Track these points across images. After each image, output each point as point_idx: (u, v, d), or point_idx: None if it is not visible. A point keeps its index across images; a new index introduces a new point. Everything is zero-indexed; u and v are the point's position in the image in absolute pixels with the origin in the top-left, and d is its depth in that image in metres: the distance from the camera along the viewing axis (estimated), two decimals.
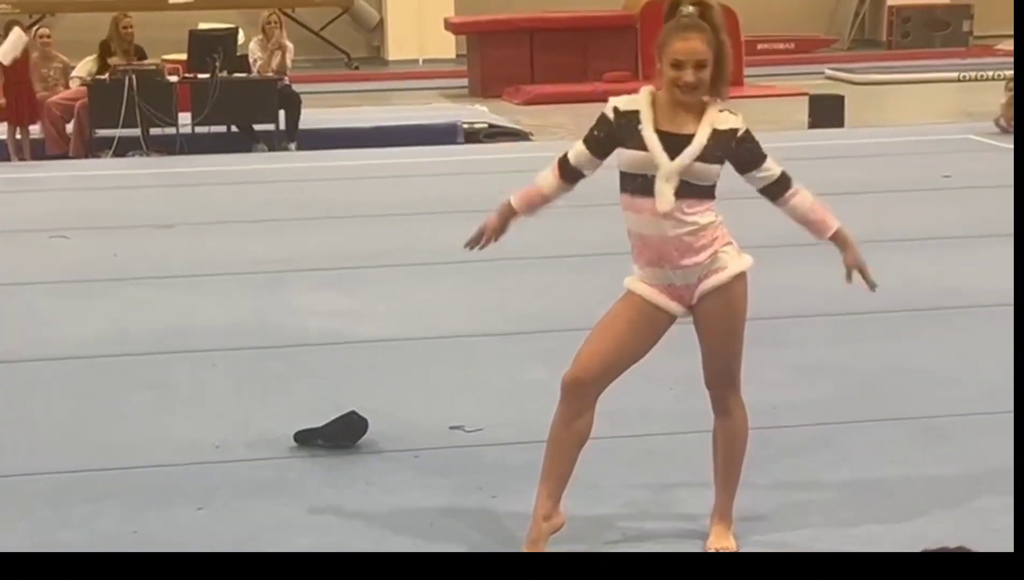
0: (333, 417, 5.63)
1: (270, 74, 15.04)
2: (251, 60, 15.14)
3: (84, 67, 15.03)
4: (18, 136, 14.51)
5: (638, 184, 4.33)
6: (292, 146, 14.95)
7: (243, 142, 15.02)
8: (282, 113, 15.01)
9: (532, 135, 16.13)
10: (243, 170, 13.40)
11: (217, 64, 14.80)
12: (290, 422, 5.69)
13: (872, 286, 4.49)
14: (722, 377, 4.51)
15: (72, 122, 14.68)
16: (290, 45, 15.37)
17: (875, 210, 10.05)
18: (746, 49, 20.86)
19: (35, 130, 14.72)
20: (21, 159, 14.42)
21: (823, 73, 22.68)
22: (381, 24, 25.72)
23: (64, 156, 14.55)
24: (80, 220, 10.74)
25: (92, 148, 14.63)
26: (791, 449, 5.50)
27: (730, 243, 4.39)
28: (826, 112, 16.07)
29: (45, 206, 11.52)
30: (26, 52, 14.60)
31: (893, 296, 6.77)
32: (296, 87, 15.53)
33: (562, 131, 16.10)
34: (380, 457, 5.52)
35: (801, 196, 4.43)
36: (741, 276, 4.38)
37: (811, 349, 6.91)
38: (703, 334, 4.46)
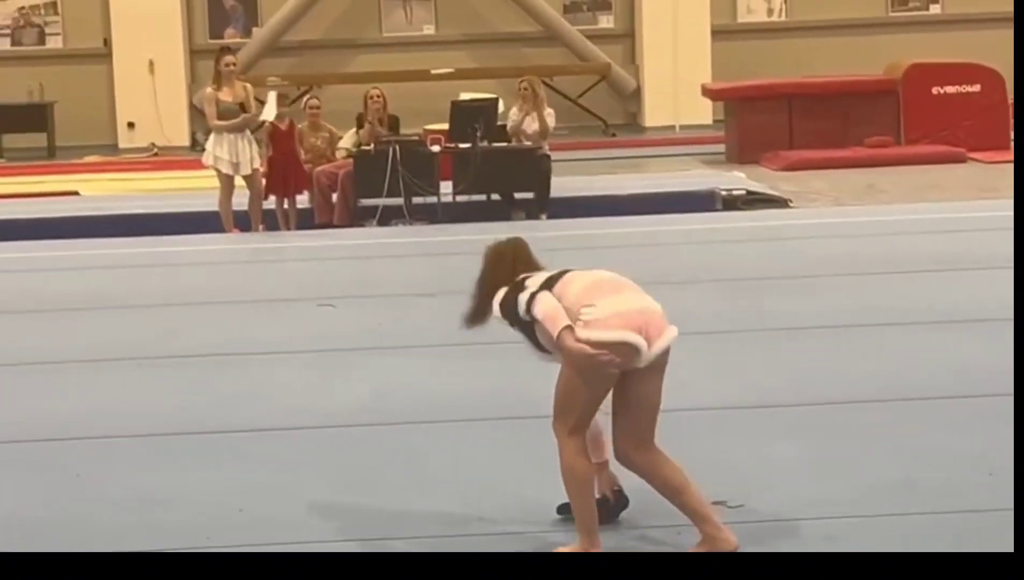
0: None
1: (527, 142, 15.24)
2: (509, 128, 15.36)
3: (349, 138, 15.45)
4: (285, 206, 14.95)
5: None
6: (543, 216, 15.08)
7: (502, 210, 15.21)
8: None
9: (791, 202, 15.96)
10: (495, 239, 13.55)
11: (478, 133, 15.05)
12: (554, 492, 5.69)
13: None
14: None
15: (337, 192, 15.07)
16: (550, 111, 15.52)
17: None
18: None
19: (303, 200, 15.14)
20: (287, 228, 14.84)
21: None
22: (638, 91, 25.80)
23: (329, 225, 14.93)
24: (346, 289, 11.00)
25: (357, 217, 14.99)
26: None
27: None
28: None
29: (312, 275, 11.82)
30: (291, 123, 15.04)
31: None
32: (554, 155, 15.66)
33: (821, 198, 15.90)
34: (639, 532, 5.48)
35: None
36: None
37: None
38: None
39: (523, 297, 5.30)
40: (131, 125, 24.76)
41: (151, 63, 24.60)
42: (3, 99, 24.26)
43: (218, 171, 14.17)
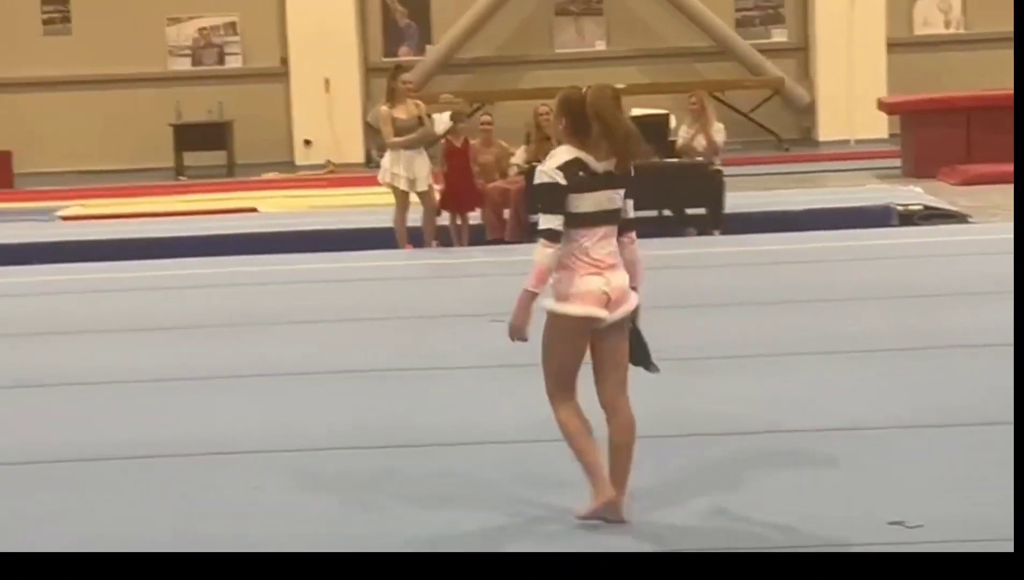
0: None
1: (699, 158, 15.18)
2: (679, 144, 15.31)
3: (521, 154, 15.53)
4: (458, 222, 15.06)
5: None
6: (716, 232, 14.99)
7: (672, 226, 15.16)
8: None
9: (970, 217, 15.66)
10: (673, 255, 13.52)
11: (650, 149, 15.00)
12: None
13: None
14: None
15: (509, 208, 15.15)
16: (720, 126, 15.44)
17: None
18: None
19: (475, 216, 15.26)
20: (460, 245, 14.95)
21: None
22: (812, 105, 25.55)
23: (501, 241, 15.01)
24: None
25: (528, 233, 15.04)
26: None
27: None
28: None
29: (484, 291, 11.90)
30: (466, 140, 15.16)
31: None
32: (727, 170, 15.58)
33: (1001, 213, 15.57)
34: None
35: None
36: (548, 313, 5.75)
37: None
38: None
39: (543, 177, 5.72)
40: (307, 142, 25.19)
41: (327, 81, 25.01)
42: (185, 118, 24.84)
43: (394, 188, 14.33)
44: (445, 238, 14.90)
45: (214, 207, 19.04)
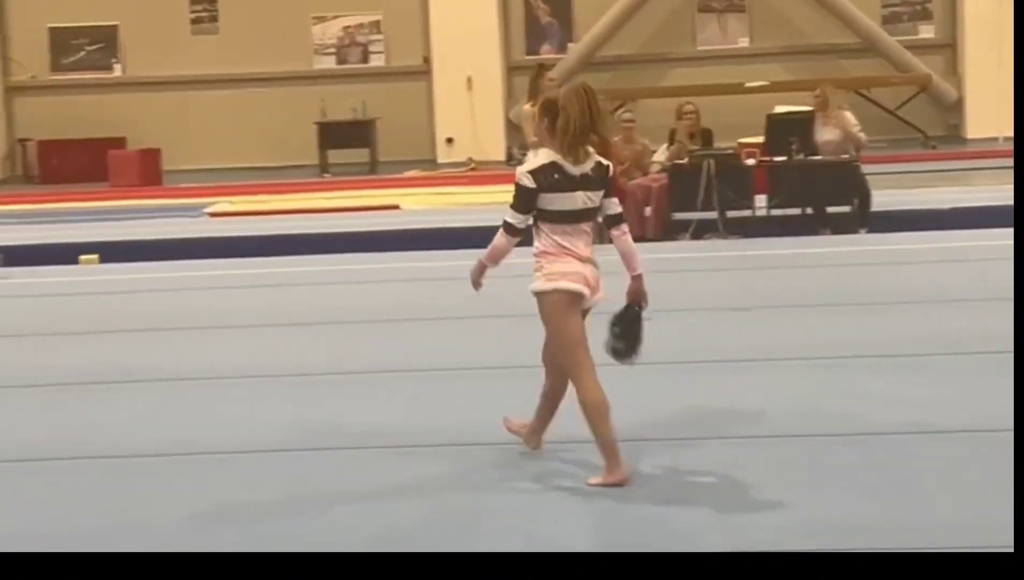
0: None
1: (844, 156, 15.02)
2: (818, 141, 15.16)
3: (663, 152, 15.48)
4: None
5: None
6: (862, 230, 14.81)
7: (809, 225, 15.01)
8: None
9: None
10: (815, 254, 13.40)
11: (794, 147, 14.91)
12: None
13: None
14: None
15: (650, 206, 15.11)
16: (853, 121, 15.20)
17: None
18: None
19: None
20: (601, 242, 14.88)
21: None
22: (959, 102, 25.15)
23: (642, 238, 14.96)
24: (660, 302, 10.99)
25: (670, 231, 15.01)
26: None
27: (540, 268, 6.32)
28: None
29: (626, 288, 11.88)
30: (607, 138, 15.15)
31: None
32: (872, 168, 15.40)
33: None
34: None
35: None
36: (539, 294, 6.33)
37: None
38: None
39: (522, 173, 6.30)
40: (449, 140, 25.35)
41: (469, 80, 25.15)
42: (329, 116, 25.12)
43: None
44: None
45: (357, 204, 19.24)
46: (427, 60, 25.72)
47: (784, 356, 8.92)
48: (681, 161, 15.01)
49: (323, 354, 9.51)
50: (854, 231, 14.77)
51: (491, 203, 18.79)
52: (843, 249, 13.64)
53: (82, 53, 26.34)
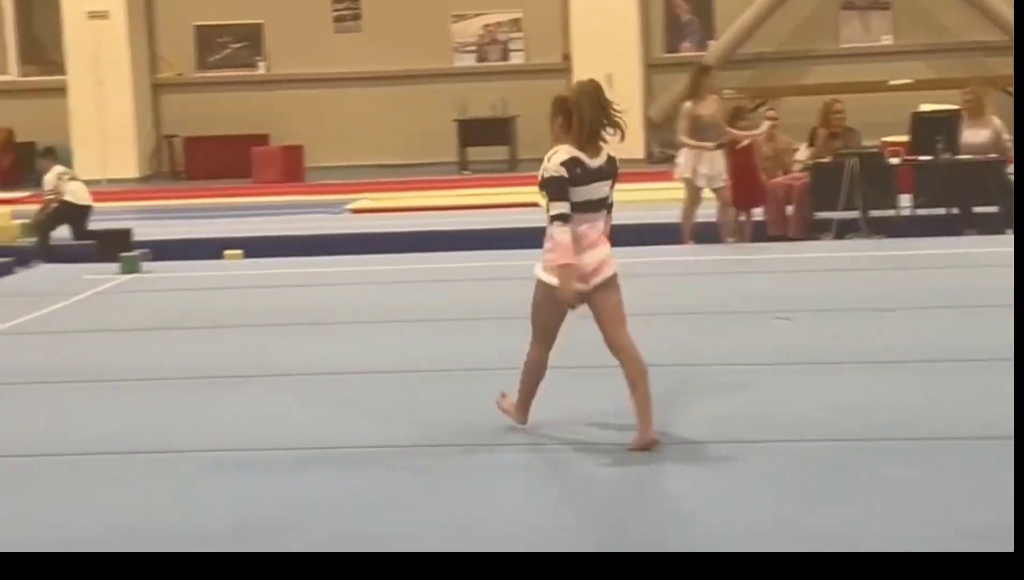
0: None
1: (992, 155, 14.76)
2: (965, 143, 14.90)
3: (805, 150, 15.34)
4: (741, 218, 14.95)
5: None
6: (1007, 231, 14.53)
7: (954, 225, 14.77)
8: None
9: None
10: (960, 254, 13.18)
11: (939, 146, 14.69)
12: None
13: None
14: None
15: (792, 204, 14.98)
16: (1004, 129, 14.94)
17: None
18: None
19: (757, 212, 15.13)
20: (739, 241, 14.79)
21: None
22: None
23: (784, 237, 14.85)
24: (801, 302, 10.92)
25: (812, 230, 14.87)
26: None
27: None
28: None
29: (767, 287, 11.80)
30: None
31: None
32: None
33: None
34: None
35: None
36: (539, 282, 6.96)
37: None
38: None
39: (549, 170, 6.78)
40: None
41: (609, 77, 25.03)
42: (469, 113, 25.25)
43: (689, 183, 14.28)
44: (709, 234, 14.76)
45: (497, 201, 19.31)
46: (567, 57, 25.71)
47: (928, 358, 8.79)
48: (824, 160, 14.86)
49: (462, 349, 9.56)
50: (1000, 231, 14.51)
51: (630, 201, 18.71)
52: (989, 249, 13.40)
53: (227, 51, 26.75)
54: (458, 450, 7.09)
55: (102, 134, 25.13)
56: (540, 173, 6.83)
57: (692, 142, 14.19)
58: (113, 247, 14.87)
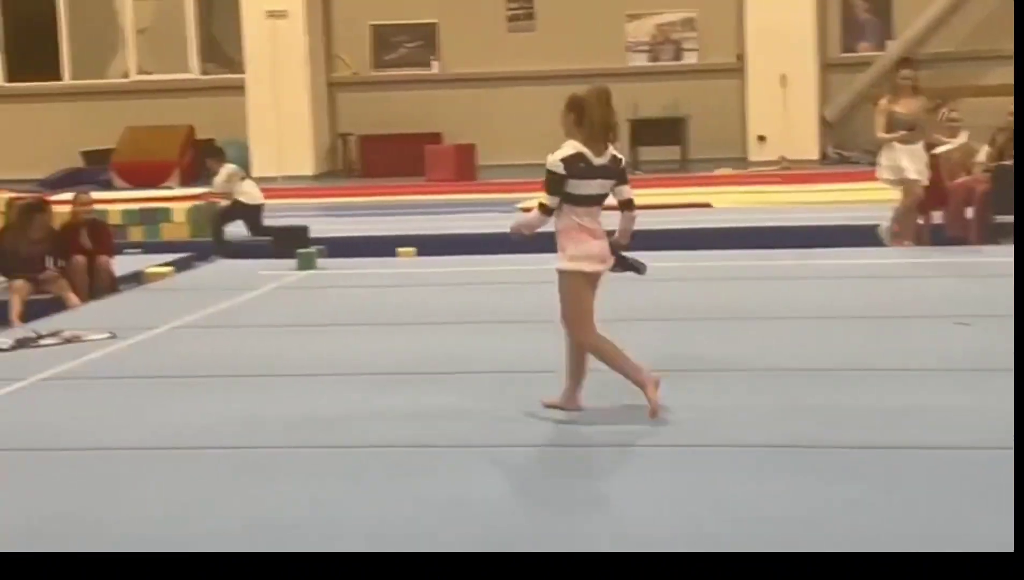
0: None
1: None
2: None
3: (986, 152, 15.02)
4: (919, 221, 14.66)
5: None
6: None
7: None
8: None
9: None
10: None
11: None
12: None
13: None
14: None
15: (973, 207, 14.67)
16: None
17: None
18: None
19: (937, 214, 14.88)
20: (917, 243, 14.48)
21: None
22: None
23: (963, 241, 14.54)
24: (982, 307, 10.70)
25: (993, 234, 14.54)
26: None
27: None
28: None
29: (947, 291, 11.59)
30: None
31: None
32: None
33: None
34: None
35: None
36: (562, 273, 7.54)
37: None
38: None
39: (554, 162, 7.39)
40: (761, 138, 25.12)
41: (783, 77, 24.86)
42: (641, 113, 25.19)
43: (900, 182, 13.99)
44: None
45: (669, 201, 19.23)
46: (740, 57, 25.53)
47: None
48: (1005, 162, 14.52)
49: (653, 349, 9.51)
50: None
51: (804, 203, 18.57)
52: None
53: (402, 50, 27.02)
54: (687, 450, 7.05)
55: (279, 132, 25.56)
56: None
57: (889, 136, 13.84)
58: (290, 243, 15.12)
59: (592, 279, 7.53)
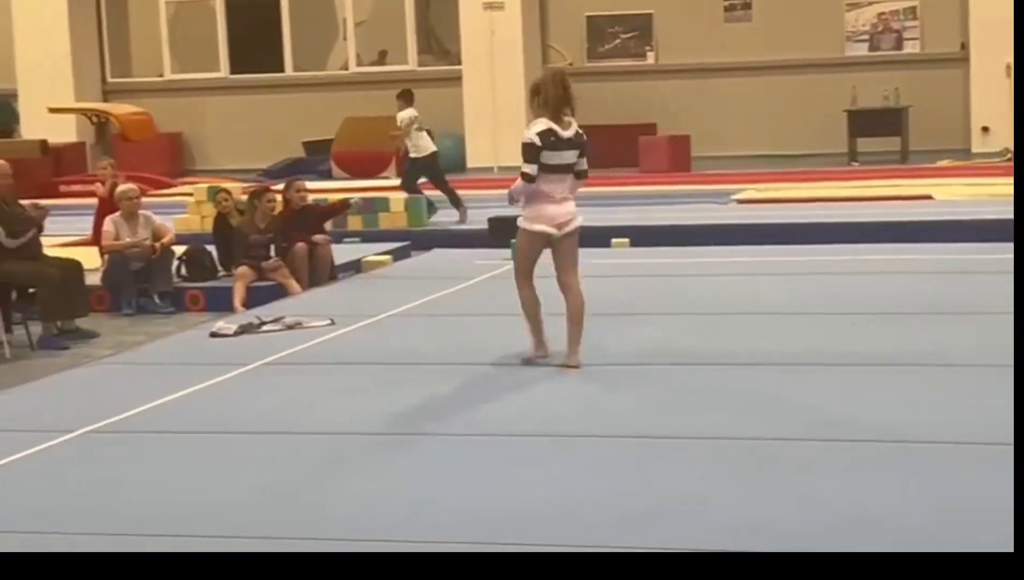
0: None
1: None
2: None
3: None
4: None
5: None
6: None
7: None
8: None
9: None
10: None
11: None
12: None
13: None
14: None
15: None
16: None
17: None
18: None
19: None
20: None
21: None
22: None
23: None
24: None
25: None
26: None
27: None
28: None
29: None
30: None
31: None
32: None
33: None
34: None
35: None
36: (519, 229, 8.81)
37: None
38: None
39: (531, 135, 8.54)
40: (985, 129, 24.49)
41: (1008, 66, 24.19)
42: (859, 104, 24.79)
43: None
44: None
45: (888, 193, 18.89)
46: (964, 46, 24.94)
47: None
48: None
49: (854, 345, 9.39)
50: None
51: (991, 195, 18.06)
52: None
53: (617, 41, 27.01)
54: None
55: (494, 123, 25.75)
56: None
57: None
58: (505, 233, 15.18)
59: (542, 238, 8.64)
